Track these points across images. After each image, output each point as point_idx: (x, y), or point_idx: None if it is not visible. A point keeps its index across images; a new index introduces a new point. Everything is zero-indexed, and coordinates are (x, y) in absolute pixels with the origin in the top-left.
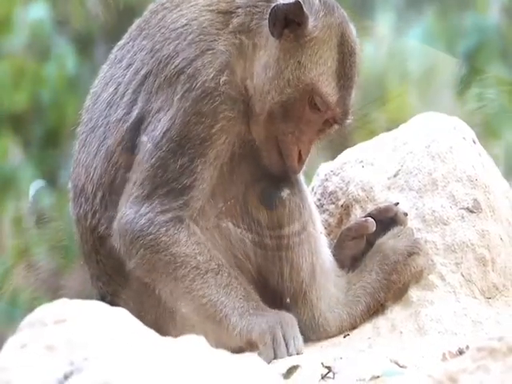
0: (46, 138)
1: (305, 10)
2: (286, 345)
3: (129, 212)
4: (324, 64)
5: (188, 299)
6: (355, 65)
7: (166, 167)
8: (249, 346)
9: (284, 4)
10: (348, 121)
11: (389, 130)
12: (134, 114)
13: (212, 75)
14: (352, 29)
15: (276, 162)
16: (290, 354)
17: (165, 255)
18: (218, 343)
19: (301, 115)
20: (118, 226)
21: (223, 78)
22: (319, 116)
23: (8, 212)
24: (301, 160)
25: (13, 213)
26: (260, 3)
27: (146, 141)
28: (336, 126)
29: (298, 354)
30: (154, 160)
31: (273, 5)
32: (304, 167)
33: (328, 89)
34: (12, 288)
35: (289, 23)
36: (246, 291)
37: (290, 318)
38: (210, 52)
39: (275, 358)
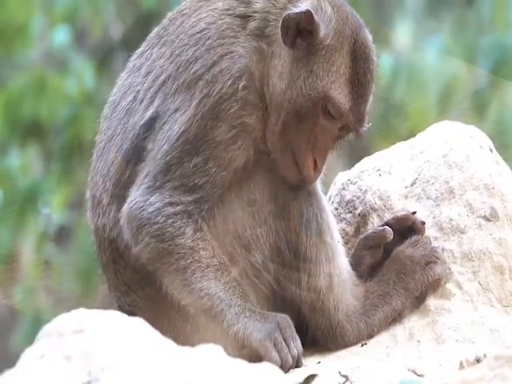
0: (67, 151)
1: (316, 18)
2: (288, 347)
3: (139, 199)
4: (336, 72)
5: (187, 291)
6: (370, 71)
7: (180, 165)
8: (243, 348)
9: (295, 13)
10: (364, 128)
11: (406, 139)
12: (149, 113)
13: (230, 82)
14: (367, 35)
15: (292, 171)
16: (292, 356)
17: (169, 245)
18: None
19: (315, 124)
20: (127, 210)
21: (242, 84)
22: (333, 124)
23: (30, 227)
24: (316, 169)
25: (34, 228)
26: (275, 10)
27: (161, 139)
28: (352, 134)
29: (299, 352)
30: (168, 158)
31: (285, 13)
32: (321, 176)
33: (341, 96)
34: (35, 305)
35: (301, 32)
36: (244, 292)
37: (285, 320)
38: (229, 56)
39: (282, 361)
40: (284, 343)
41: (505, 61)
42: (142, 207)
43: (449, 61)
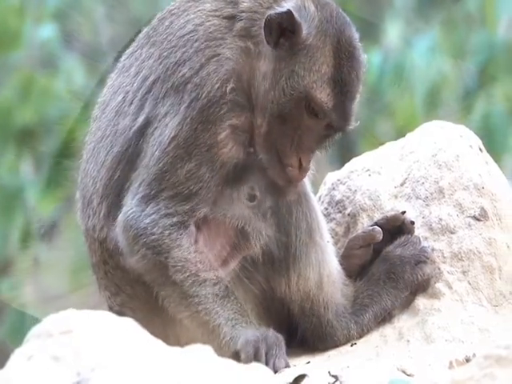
0: (56, 152)
1: (297, 17)
2: (266, 361)
3: (135, 209)
4: (318, 71)
5: (184, 305)
6: (354, 70)
7: (173, 171)
8: (235, 357)
9: (277, 13)
10: (350, 127)
11: (396, 139)
12: (141, 119)
13: (218, 85)
14: (353, 34)
15: (278, 171)
16: None
17: (165, 258)
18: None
19: (299, 123)
20: (123, 220)
21: (230, 86)
22: (318, 123)
23: (16, 227)
24: (302, 168)
25: (21, 228)
26: (261, 10)
27: (153, 145)
28: (338, 133)
29: (276, 372)
30: (161, 165)
31: (267, 14)
32: (310, 176)
33: (323, 95)
34: (21, 302)
35: (284, 32)
36: (241, 307)
37: (276, 337)
38: (216, 59)
39: None
40: (264, 357)
41: (493, 59)
42: (138, 217)
43: (437, 59)
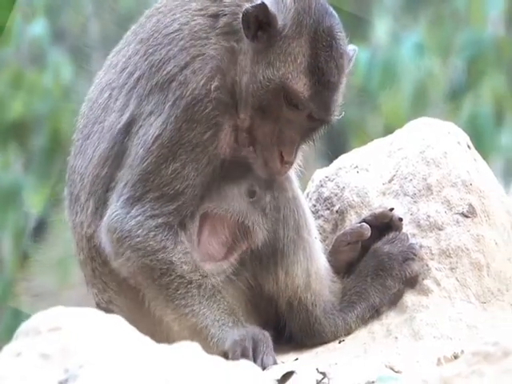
0: (45, 147)
1: (271, 9)
2: (254, 359)
3: (120, 212)
4: (293, 61)
5: (171, 307)
6: (333, 59)
7: (158, 172)
8: (223, 357)
9: (252, 6)
10: (333, 117)
11: (384, 135)
12: (126, 116)
13: (202, 82)
14: (333, 24)
15: (261, 165)
16: None
17: (151, 260)
18: None
19: (279, 115)
20: (108, 222)
21: (214, 84)
22: (297, 114)
23: (9, 224)
24: (283, 161)
25: (14, 225)
26: (242, 3)
27: (137, 144)
28: (323, 125)
29: (264, 369)
30: (145, 164)
31: (244, 7)
32: (297, 171)
33: (299, 85)
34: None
35: (261, 25)
36: (228, 305)
37: (263, 335)
38: (200, 58)
39: None
40: (251, 354)
41: (480, 56)
42: (123, 219)
43: (424, 56)
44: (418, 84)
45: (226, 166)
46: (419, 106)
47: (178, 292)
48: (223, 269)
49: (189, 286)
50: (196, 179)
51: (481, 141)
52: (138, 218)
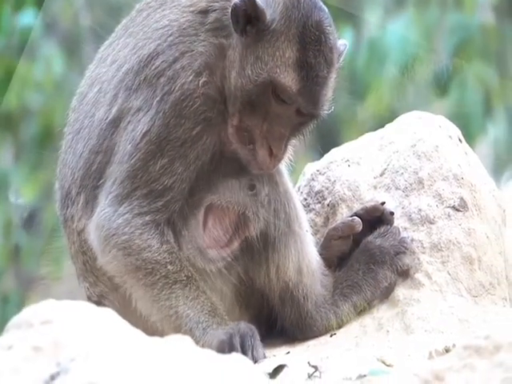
0: (36, 139)
1: (260, 4)
2: (243, 354)
3: (108, 210)
4: (282, 55)
5: (156, 308)
6: (322, 54)
7: (146, 168)
8: None
9: (240, 0)
10: (321, 112)
11: (375, 129)
12: (114, 110)
13: (191, 77)
14: (322, 18)
15: (250, 160)
16: None
17: (136, 259)
18: None
19: (268, 109)
20: (96, 220)
21: (202, 80)
22: (286, 109)
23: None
24: (272, 155)
25: (3, 215)
26: None
27: (126, 140)
28: (312, 120)
29: (255, 362)
30: (133, 161)
31: (233, 2)
32: (288, 165)
33: (287, 80)
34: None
35: (250, 19)
36: (212, 306)
37: (249, 329)
38: (189, 54)
39: None
40: (240, 350)
41: (467, 42)
42: (111, 217)
43: (411, 40)
44: (404, 68)
45: (224, 161)
46: (404, 89)
47: (163, 293)
48: (225, 255)
49: (173, 286)
50: (184, 174)
51: (467, 126)
52: (126, 215)
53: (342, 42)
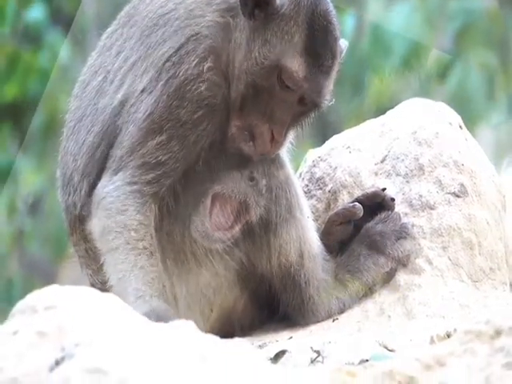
0: (41, 127)
1: None
2: None
3: (104, 179)
4: (290, 40)
5: (112, 271)
6: (328, 44)
7: (144, 143)
8: None
9: None
10: (324, 101)
11: (376, 116)
12: (119, 95)
13: (195, 62)
14: (328, 8)
15: (252, 146)
16: None
17: (112, 222)
18: None
19: (272, 94)
20: (95, 191)
21: (207, 65)
22: (290, 95)
23: (3, 201)
24: (273, 141)
25: (8, 201)
26: None
27: (128, 121)
28: (313, 109)
29: None
30: (134, 140)
31: None
32: (289, 150)
33: (294, 65)
34: (7, 275)
35: (259, 2)
36: (154, 280)
37: (166, 313)
38: (194, 38)
39: None
40: None
41: (470, 26)
42: (105, 186)
43: (414, 26)
44: (407, 54)
45: (226, 153)
46: (406, 74)
47: (120, 257)
48: (229, 237)
49: (129, 252)
50: (179, 153)
51: (468, 110)
52: (117, 183)
53: (343, 41)
